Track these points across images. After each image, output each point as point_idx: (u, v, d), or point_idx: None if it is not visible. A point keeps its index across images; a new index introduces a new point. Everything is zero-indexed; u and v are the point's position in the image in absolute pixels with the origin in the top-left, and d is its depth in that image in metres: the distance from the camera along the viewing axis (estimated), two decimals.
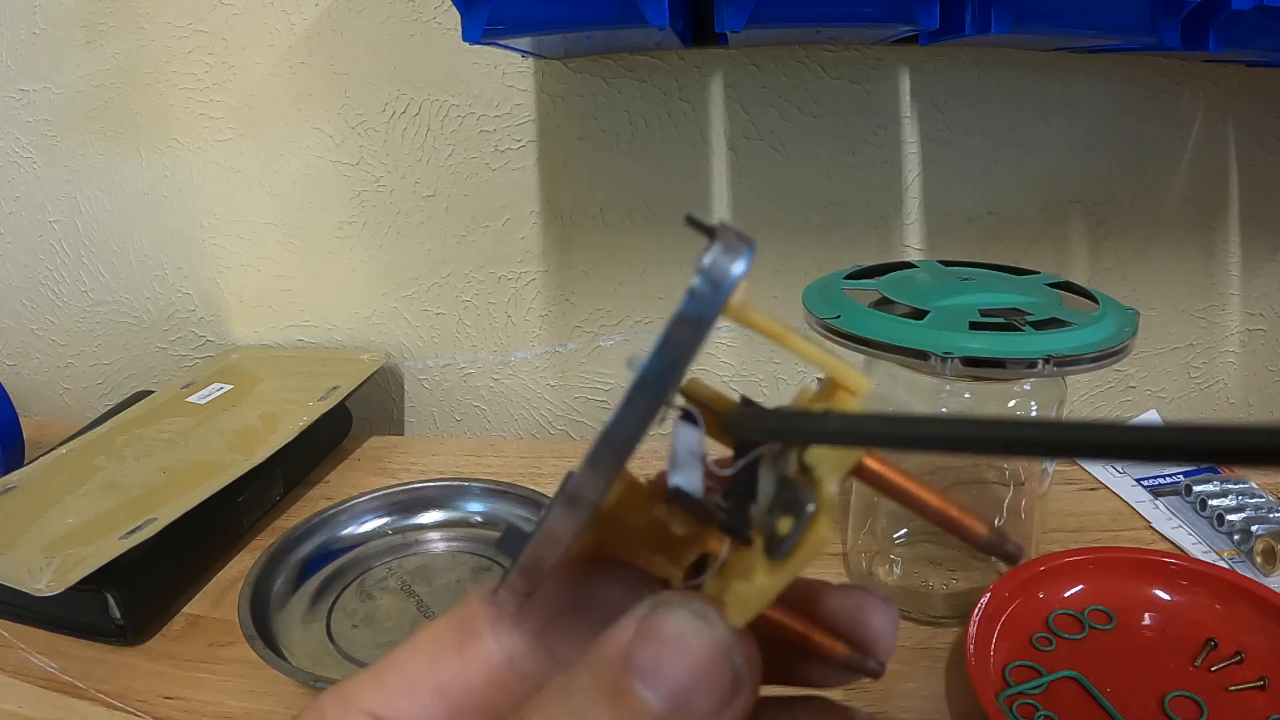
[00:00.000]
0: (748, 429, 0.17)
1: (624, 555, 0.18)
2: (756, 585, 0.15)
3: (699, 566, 0.17)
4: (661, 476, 0.17)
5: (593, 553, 0.18)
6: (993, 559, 0.51)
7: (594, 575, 0.18)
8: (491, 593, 0.17)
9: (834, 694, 0.18)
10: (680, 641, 0.15)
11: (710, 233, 0.14)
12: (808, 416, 0.16)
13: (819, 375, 0.17)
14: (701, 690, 0.15)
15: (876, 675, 0.18)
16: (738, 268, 0.14)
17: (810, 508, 0.15)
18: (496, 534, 0.59)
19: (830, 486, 0.15)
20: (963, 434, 0.12)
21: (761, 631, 0.16)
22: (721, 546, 0.16)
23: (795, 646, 0.17)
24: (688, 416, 0.17)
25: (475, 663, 0.17)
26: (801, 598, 0.18)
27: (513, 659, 0.17)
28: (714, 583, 0.16)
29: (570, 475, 0.17)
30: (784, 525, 0.15)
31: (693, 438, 0.16)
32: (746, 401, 0.18)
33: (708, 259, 0.14)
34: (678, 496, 0.16)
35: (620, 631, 0.15)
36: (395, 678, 0.17)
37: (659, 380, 0.14)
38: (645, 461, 0.15)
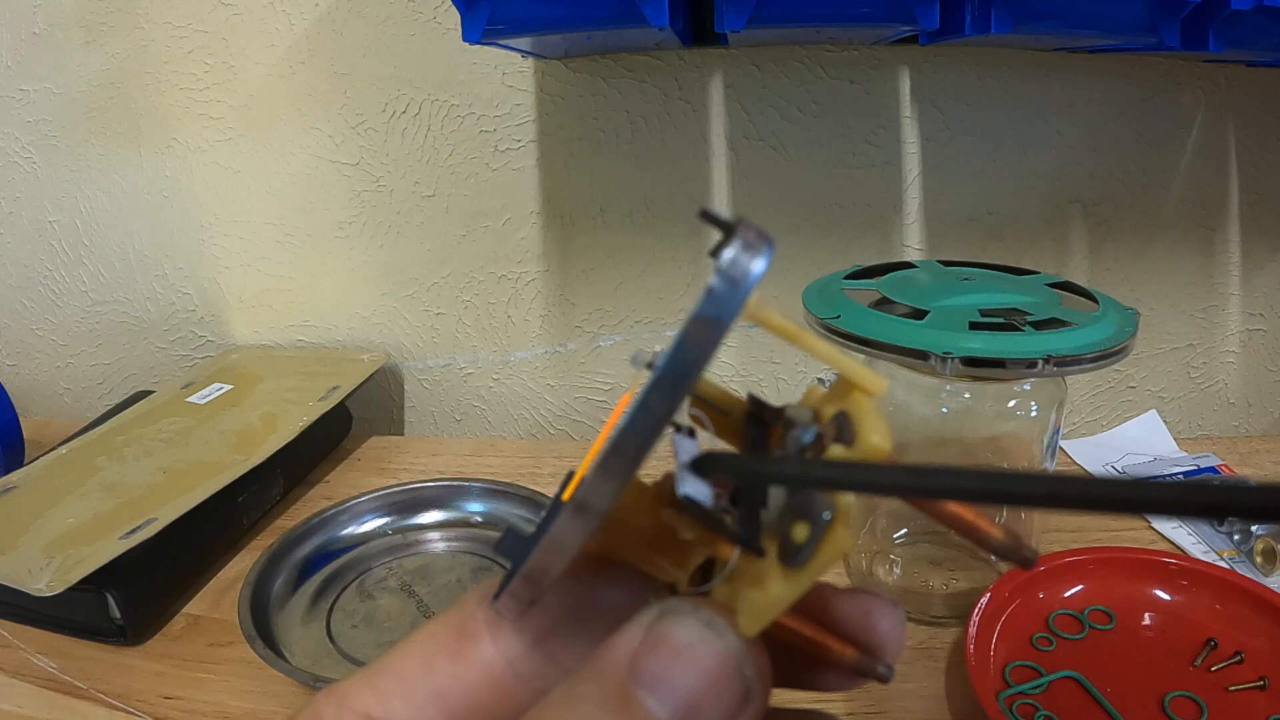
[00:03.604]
0: (721, 470, 0.16)
1: (627, 557, 0.17)
2: (770, 594, 0.15)
3: (705, 569, 0.17)
4: (668, 478, 0.17)
5: (593, 554, 0.17)
6: (994, 559, 0.51)
7: (595, 577, 0.18)
8: (492, 599, 0.17)
9: (834, 694, 0.18)
10: (689, 652, 0.14)
11: (728, 229, 0.13)
12: (780, 461, 0.15)
13: (820, 376, 0.17)
14: (710, 702, 0.14)
15: (885, 680, 0.17)
16: (758, 266, 0.13)
17: (827, 514, 0.14)
18: (496, 534, 0.59)
19: (848, 493, 0.14)
20: (930, 484, 0.12)
21: (769, 635, 0.16)
22: (732, 552, 0.16)
23: (804, 651, 0.17)
24: (685, 430, 0.16)
25: (472, 666, 0.17)
26: (808, 601, 0.17)
27: (511, 663, 0.17)
28: (723, 589, 0.16)
29: (570, 475, 0.16)
30: (799, 532, 0.14)
31: (692, 448, 0.16)
32: (753, 400, 0.18)
33: (727, 257, 0.13)
34: (687, 506, 0.15)
35: (626, 639, 0.15)
36: (391, 680, 0.17)
37: (675, 383, 0.13)
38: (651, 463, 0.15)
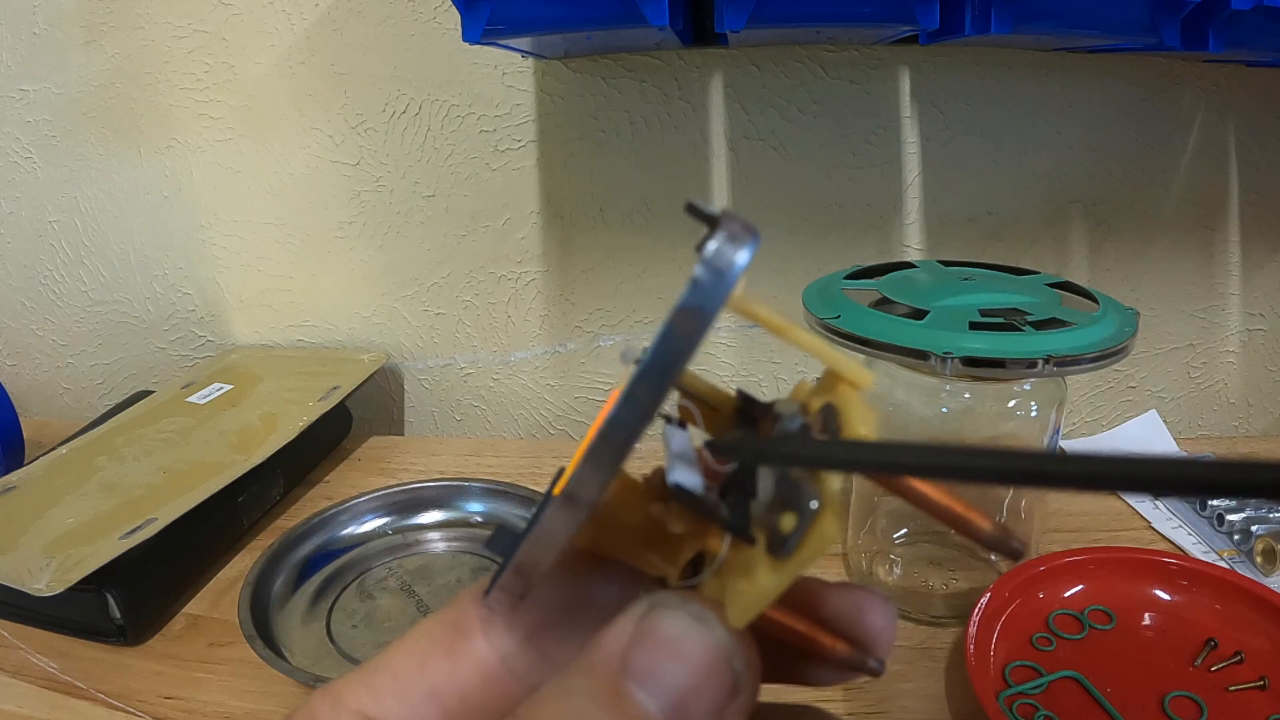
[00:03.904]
0: (737, 453, 0.16)
1: (617, 553, 0.17)
2: (759, 584, 0.15)
3: (695, 564, 0.17)
4: (657, 473, 0.17)
5: (585, 550, 0.17)
6: (993, 557, 0.51)
7: (586, 573, 0.18)
8: (483, 594, 0.17)
9: (834, 694, 0.18)
10: (678, 645, 0.15)
11: (712, 221, 0.13)
12: (792, 441, 0.15)
13: (819, 376, 0.17)
14: (700, 695, 0.15)
15: (877, 674, 0.17)
16: (741, 257, 0.13)
17: (814, 504, 0.14)
18: None
19: (835, 482, 0.14)
20: (936, 461, 0.12)
21: (761, 630, 0.16)
22: (721, 544, 0.16)
23: (795, 645, 0.17)
24: (675, 421, 0.17)
25: (466, 664, 0.17)
26: (799, 596, 0.17)
27: (505, 659, 0.17)
28: (712, 582, 0.16)
29: (561, 471, 0.16)
30: (787, 522, 0.15)
31: (682, 439, 0.16)
32: (742, 395, 0.18)
33: (711, 248, 0.13)
34: (678, 494, 0.15)
35: (617, 633, 0.15)
36: (386, 678, 0.17)
37: (660, 374, 0.13)
38: (639, 458, 0.15)
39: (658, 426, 0.16)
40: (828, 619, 0.17)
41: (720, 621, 0.15)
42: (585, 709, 0.14)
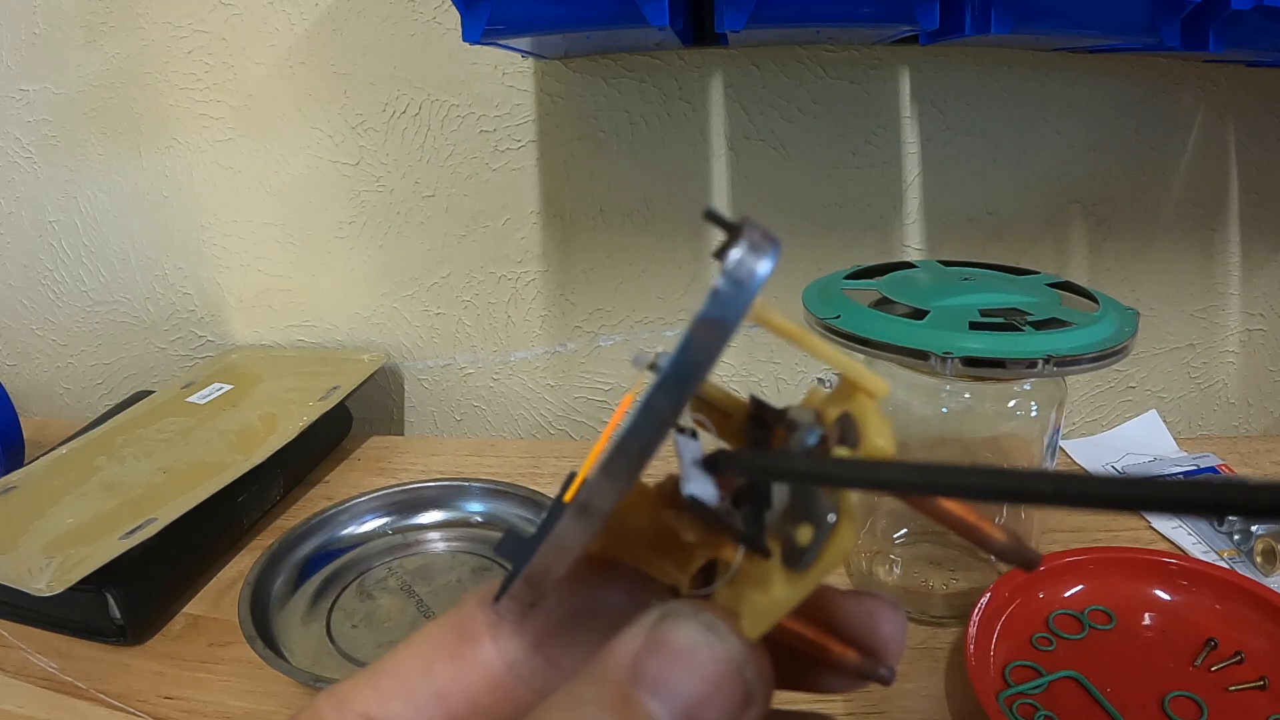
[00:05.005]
0: (735, 468, 0.16)
1: (628, 559, 0.17)
2: (774, 596, 0.15)
3: (707, 572, 0.17)
4: (670, 480, 0.17)
5: (595, 556, 0.17)
6: (994, 560, 0.51)
7: (596, 580, 0.18)
8: (493, 600, 0.17)
9: (834, 695, 0.18)
10: (690, 655, 0.15)
11: (733, 230, 0.13)
12: (799, 458, 0.15)
13: (819, 376, 0.17)
14: (712, 706, 0.14)
15: (888, 682, 0.17)
16: (763, 268, 0.13)
17: (831, 517, 0.14)
18: (496, 534, 0.59)
19: (852, 495, 0.14)
20: (948, 482, 0.12)
21: (769, 637, 0.15)
22: (735, 554, 0.16)
23: (805, 653, 0.17)
24: (688, 431, 0.16)
25: (473, 668, 0.17)
26: (810, 603, 0.17)
27: (512, 665, 0.17)
28: (725, 591, 0.16)
29: (571, 476, 0.16)
30: (803, 534, 0.14)
31: (695, 449, 0.16)
32: (755, 402, 0.18)
33: (733, 258, 0.13)
34: (692, 506, 0.15)
35: (628, 641, 0.15)
36: (391, 681, 0.17)
37: (679, 384, 0.13)
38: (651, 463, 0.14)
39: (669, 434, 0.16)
40: (838, 626, 0.17)
41: (733, 631, 0.15)
42: (594, 718, 0.14)
